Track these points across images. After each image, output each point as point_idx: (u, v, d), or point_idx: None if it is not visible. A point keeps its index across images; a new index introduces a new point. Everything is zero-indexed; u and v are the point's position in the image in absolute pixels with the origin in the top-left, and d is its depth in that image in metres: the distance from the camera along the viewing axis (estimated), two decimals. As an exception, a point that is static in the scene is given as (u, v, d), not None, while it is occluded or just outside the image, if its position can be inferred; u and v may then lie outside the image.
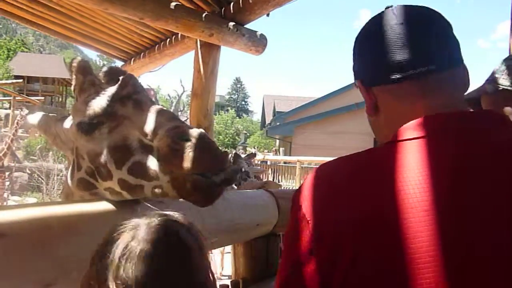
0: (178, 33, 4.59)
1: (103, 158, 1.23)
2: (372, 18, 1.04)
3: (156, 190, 1.19)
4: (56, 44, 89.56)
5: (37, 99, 32.55)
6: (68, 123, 1.44)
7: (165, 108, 1.29)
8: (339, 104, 24.94)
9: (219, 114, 55.78)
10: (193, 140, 1.10)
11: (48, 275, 1.11)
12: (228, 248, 6.77)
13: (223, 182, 1.14)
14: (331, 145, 21.69)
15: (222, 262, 8.19)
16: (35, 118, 1.60)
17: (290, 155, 23.43)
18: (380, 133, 1.05)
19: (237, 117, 63.96)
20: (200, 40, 4.21)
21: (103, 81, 1.38)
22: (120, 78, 1.34)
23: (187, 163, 1.09)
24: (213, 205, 1.75)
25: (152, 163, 1.17)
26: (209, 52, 4.26)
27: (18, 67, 45.52)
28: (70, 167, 1.40)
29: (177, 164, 1.10)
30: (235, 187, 4.42)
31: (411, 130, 0.89)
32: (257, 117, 77.21)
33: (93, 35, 5.14)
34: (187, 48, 4.77)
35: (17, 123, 11.94)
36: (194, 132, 1.12)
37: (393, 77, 0.96)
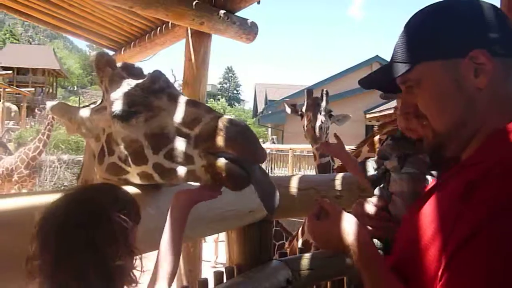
0: (168, 22, 4.56)
1: (139, 144, 1.37)
2: None
3: (190, 174, 1.31)
4: (45, 34, 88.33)
5: (27, 91, 32.22)
6: (85, 112, 1.56)
7: (199, 101, 1.41)
8: (330, 91, 24.82)
9: (209, 103, 55.66)
10: (240, 127, 1.24)
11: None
12: (222, 236, 6.81)
13: (252, 175, 1.24)
14: (323, 133, 21.60)
15: (216, 250, 8.24)
16: (57, 106, 1.68)
17: (282, 143, 23.43)
18: (473, 112, 1.05)
19: (229, 106, 63.74)
20: (190, 29, 4.19)
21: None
22: (138, 71, 1.54)
23: (232, 144, 1.22)
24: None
25: (189, 149, 1.29)
26: (200, 40, 4.24)
27: (7, 58, 44.85)
28: (97, 153, 1.52)
29: (222, 144, 1.22)
30: None
31: None
32: (249, 105, 76.96)
33: (82, 25, 5.11)
34: (177, 37, 4.74)
35: (53, 117, 10.57)
36: (240, 121, 1.28)
37: None
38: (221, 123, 1.24)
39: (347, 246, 1.11)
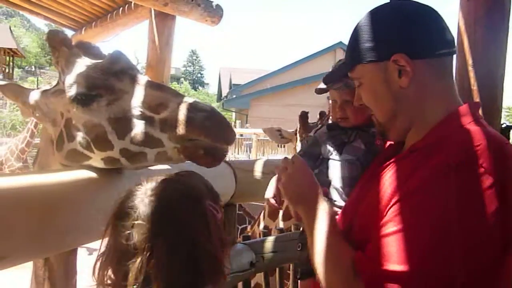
0: (131, 2, 4.45)
1: (102, 129, 1.31)
2: (409, 2, 1.23)
3: (160, 156, 1.31)
4: (1, 12, 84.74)
5: (-19, 70, 30.84)
6: (40, 95, 1.47)
7: (163, 84, 1.38)
8: (294, 77, 25.06)
9: (172, 86, 55.01)
10: (207, 113, 1.24)
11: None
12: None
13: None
14: (286, 118, 21.82)
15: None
16: (7, 88, 1.58)
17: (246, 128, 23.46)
18: (401, 107, 1.21)
19: (193, 90, 63.16)
20: (154, 10, 4.12)
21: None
22: (95, 51, 1.47)
23: (201, 131, 1.23)
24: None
25: (156, 133, 1.27)
26: (164, 22, 4.18)
27: (-41, 36, 42.76)
28: (55, 139, 1.44)
29: (192, 131, 1.23)
30: None
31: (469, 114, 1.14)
32: (213, 89, 76.59)
33: (41, 3, 4.92)
34: (140, 17, 4.64)
35: None
36: (207, 105, 1.27)
37: (442, 52, 1.17)
38: (188, 109, 1.24)
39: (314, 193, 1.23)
